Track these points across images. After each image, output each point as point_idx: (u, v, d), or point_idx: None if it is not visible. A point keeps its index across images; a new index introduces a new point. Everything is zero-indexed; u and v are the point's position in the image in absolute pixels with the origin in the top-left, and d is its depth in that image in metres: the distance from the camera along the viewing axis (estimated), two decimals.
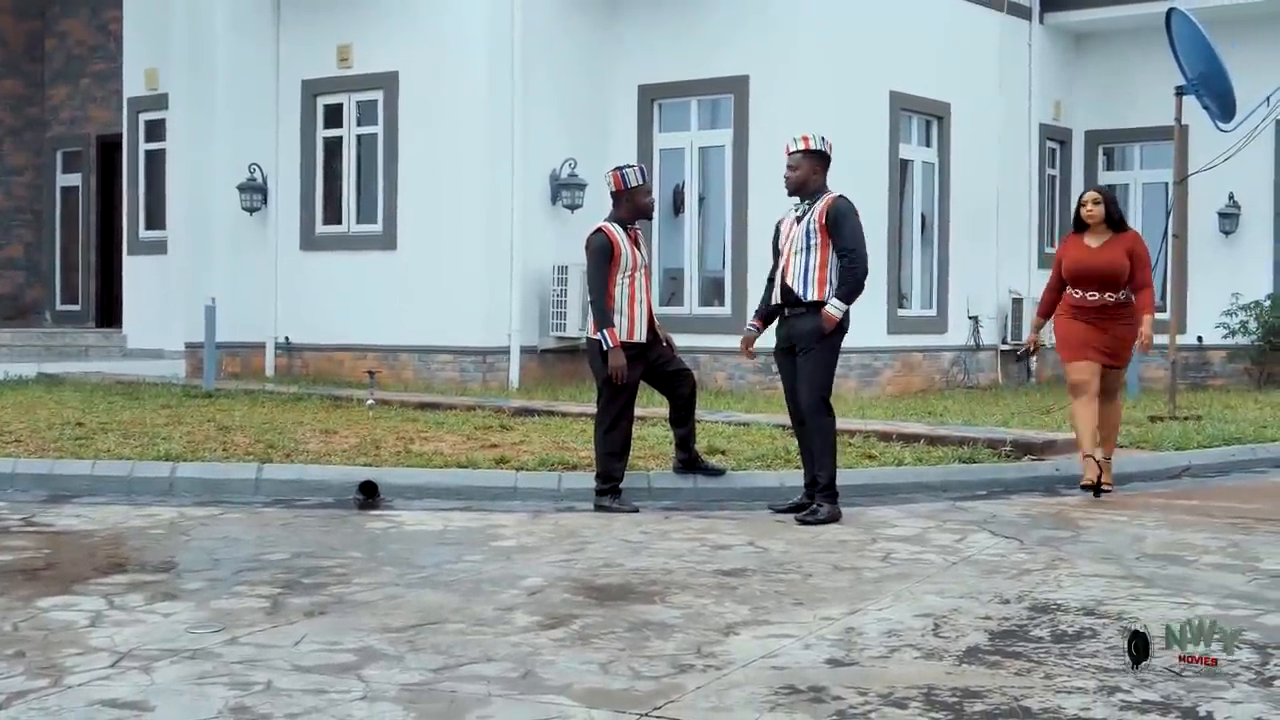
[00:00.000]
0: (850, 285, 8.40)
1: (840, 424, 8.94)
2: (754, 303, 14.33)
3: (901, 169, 16.13)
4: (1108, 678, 4.86)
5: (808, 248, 8.42)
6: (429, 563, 6.93)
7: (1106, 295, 9.26)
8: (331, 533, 7.82)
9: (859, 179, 13.78)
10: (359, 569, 6.73)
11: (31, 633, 5.40)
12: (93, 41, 21.05)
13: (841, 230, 8.37)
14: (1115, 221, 9.40)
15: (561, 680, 4.80)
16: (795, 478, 8.91)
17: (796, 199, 8.59)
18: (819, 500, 8.34)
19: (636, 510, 8.57)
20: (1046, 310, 9.73)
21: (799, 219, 8.52)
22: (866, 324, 14.36)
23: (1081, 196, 9.61)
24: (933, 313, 16.78)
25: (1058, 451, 10.53)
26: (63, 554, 7.14)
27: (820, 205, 8.44)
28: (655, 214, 15.10)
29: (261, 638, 5.33)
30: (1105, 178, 19.23)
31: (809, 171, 8.51)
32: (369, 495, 8.83)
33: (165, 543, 7.58)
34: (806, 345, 8.42)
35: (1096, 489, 9.15)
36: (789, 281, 8.47)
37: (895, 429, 11.16)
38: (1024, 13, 18.07)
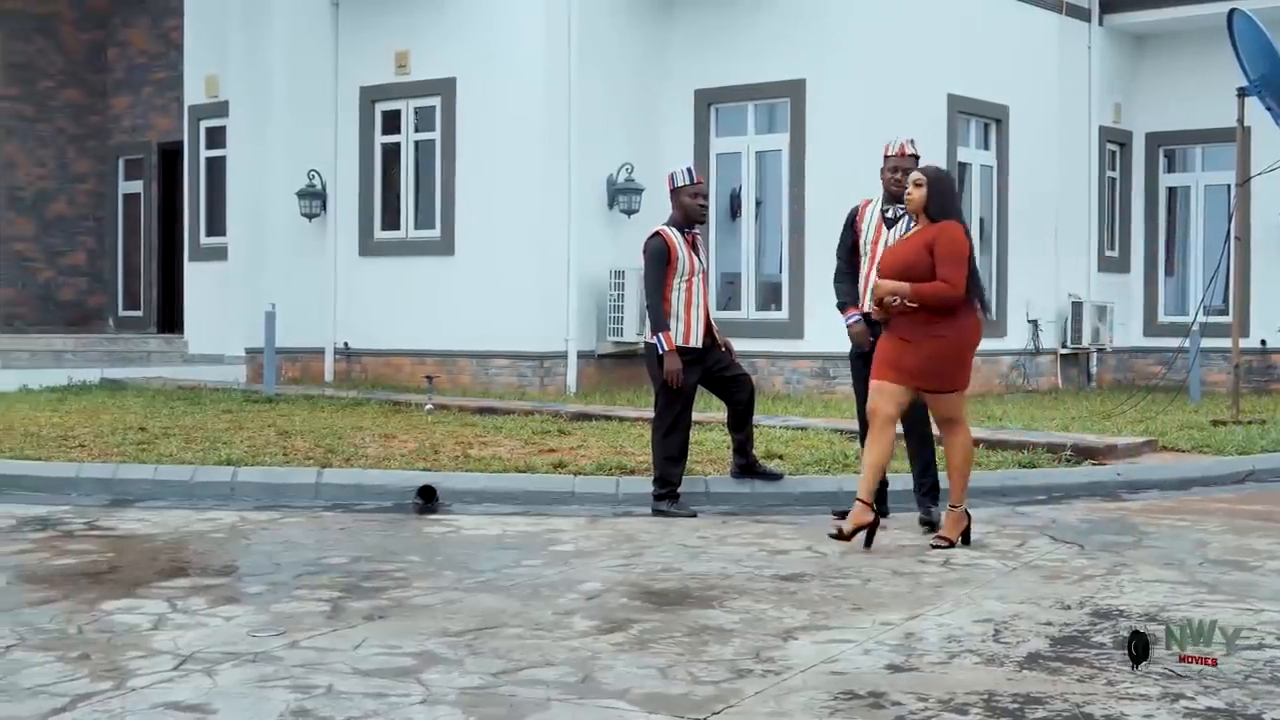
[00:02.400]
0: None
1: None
2: (814, 305, 14.42)
3: (960, 172, 16.04)
4: (1171, 684, 4.81)
5: None
6: (487, 567, 6.95)
7: (907, 300, 7.37)
8: (391, 537, 7.86)
9: None
10: (418, 573, 6.76)
11: (96, 635, 5.46)
12: (154, 50, 21.27)
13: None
14: (934, 211, 7.50)
15: (620, 685, 4.80)
16: (853, 482, 8.84)
17: (889, 201, 8.32)
18: (930, 504, 8.20)
19: (694, 515, 8.56)
20: None
21: (893, 221, 8.25)
22: None
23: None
24: (991, 316, 16.66)
25: (1119, 456, 10.44)
26: (126, 557, 7.21)
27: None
28: (712, 218, 15.25)
29: (322, 641, 5.36)
30: (1166, 180, 19.10)
31: None
32: (428, 499, 8.86)
33: (226, 546, 7.64)
34: None
35: (870, 532, 7.43)
36: None
37: None
38: (1083, 14, 17.94)
